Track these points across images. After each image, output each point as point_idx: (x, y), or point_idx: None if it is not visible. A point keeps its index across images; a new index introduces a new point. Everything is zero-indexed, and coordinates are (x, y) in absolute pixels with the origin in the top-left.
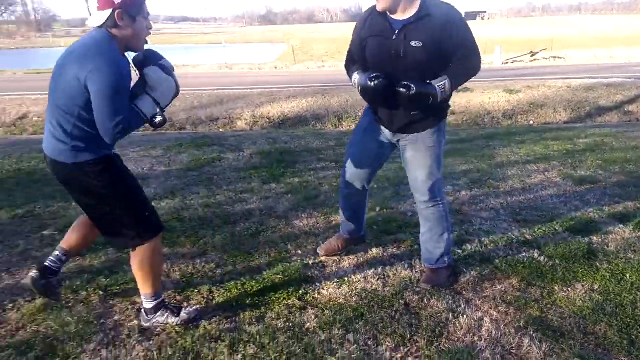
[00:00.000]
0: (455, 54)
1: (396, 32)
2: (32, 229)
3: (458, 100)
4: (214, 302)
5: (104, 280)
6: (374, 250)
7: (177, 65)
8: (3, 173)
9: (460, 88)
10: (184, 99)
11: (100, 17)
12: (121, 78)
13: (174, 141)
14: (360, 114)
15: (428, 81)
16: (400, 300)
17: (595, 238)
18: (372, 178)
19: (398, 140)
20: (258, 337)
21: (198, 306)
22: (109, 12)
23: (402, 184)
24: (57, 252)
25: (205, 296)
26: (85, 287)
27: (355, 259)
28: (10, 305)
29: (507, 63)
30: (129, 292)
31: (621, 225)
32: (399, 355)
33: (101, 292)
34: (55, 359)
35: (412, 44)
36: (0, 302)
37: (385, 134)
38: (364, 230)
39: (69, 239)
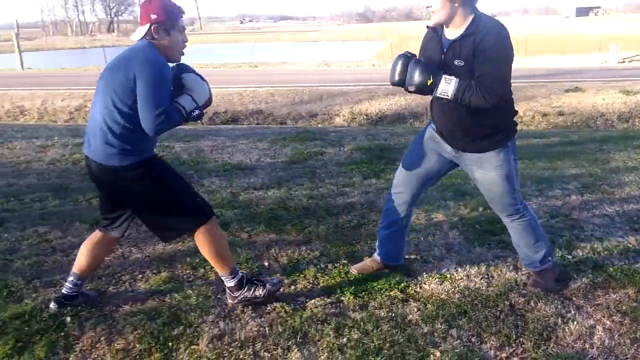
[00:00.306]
0: (478, 74)
1: (445, 51)
2: None
3: (568, 101)
4: (319, 286)
5: None
6: (477, 250)
7: (278, 62)
8: None
9: (569, 88)
10: (285, 94)
11: (141, 31)
12: (162, 74)
13: (278, 135)
14: None
15: (449, 78)
16: (505, 301)
17: None
18: (421, 195)
19: (459, 157)
20: (362, 323)
21: (277, 277)
22: (147, 27)
23: None
24: (71, 278)
25: (311, 281)
26: (203, 265)
27: (458, 257)
28: (140, 276)
29: (623, 62)
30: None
31: None
32: (504, 355)
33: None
34: (180, 326)
35: (456, 62)
36: (132, 273)
37: (446, 148)
38: (402, 259)
39: (80, 264)
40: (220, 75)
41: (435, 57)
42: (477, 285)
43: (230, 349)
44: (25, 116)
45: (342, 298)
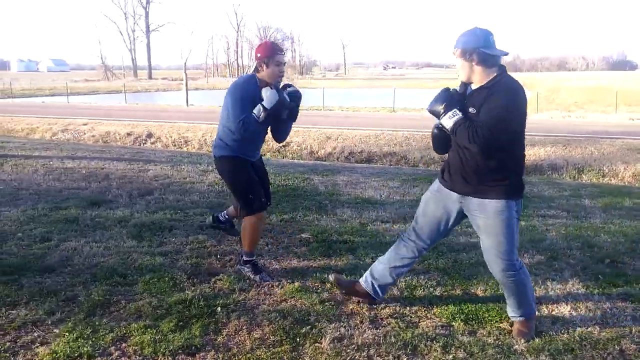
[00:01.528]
0: (481, 117)
1: (467, 97)
2: (293, 230)
3: None
4: (432, 311)
5: (345, 277)
6: (596, 298)
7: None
8: (274, 187)
9: None
10: (420, 139)
11: (254, 65)
12: (241, 94)
13: (409, 175)
14: (605, 169)
15: (455, 112)
16: (616, 346)
17: None
18: (430, 243)
19: (464, 204)
20: (469, 345)
21: (269, 277)
22: (255, 62)
23: (638, 242)
24: (224, 212)
25: (426, 305)
26: (330, 281)
27: (574, 302)
28: (277, 283)
29: None
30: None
31: None
32: None
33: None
34: (307, 326)
35: (470, 110)
36: (271, 281)
37: (452, 196)
38: (382, 296)
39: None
40: (359, 118)
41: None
42: (589, 329)
43: (348, 351)
44: (188, 146)
45: (453, 323)
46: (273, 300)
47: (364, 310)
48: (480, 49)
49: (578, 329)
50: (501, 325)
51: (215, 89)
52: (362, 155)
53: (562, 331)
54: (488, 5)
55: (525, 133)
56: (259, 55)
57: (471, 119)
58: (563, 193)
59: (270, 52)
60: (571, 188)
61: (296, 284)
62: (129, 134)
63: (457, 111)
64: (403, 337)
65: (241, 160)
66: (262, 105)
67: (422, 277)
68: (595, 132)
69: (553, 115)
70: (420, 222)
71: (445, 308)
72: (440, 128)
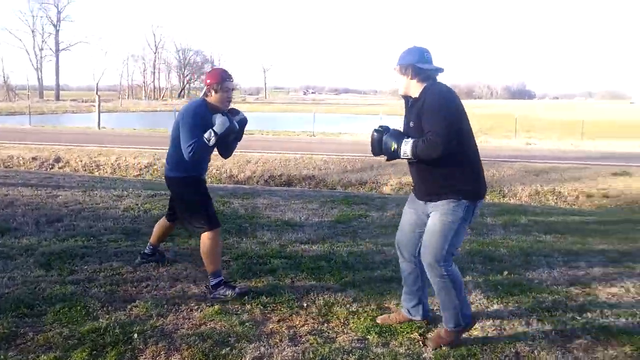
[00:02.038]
0: (424, 129)
1: (407, 112)
2: None
3: (614, 184)
4: (349, 326)
5: (265, 298)
6: (495, 306)
7: (335, 133)
8: None
9: (617, 172)
10: (338, 162)
11: (203, 91)
12: (194, 121)
13: (327, 197)
14: (506, 190)
15: (407, 140)
16: (512, 349)
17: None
18: (417, 251)
19: (427, 209)
20: (382, 356)
21: (245, 285)
22: (204, 90)
23: (533, 254)
24: (149, 245)
25: (342, 321)
26: (250, 302)
27: (476, 311)
28: (196, 307)
29: None
30: (282, 310)
31: None
32: None
33: (262, 307)
34: (226, 347)
35: (410, 124)
36: (188, 305)
37: (420, 203)
38: (424, 314)
39: (154, 236)
40: (279, 142)
41: (405, 119)
42: (489, 335)
43: None
44: (100, 170)
45: (368, 336)
46: (192, 324)
47: (283, 329)
48: (415, 64)
49: (480, 334)
50: (411, 335)
51: (130, 111)
52: (282, 178)
53: (465, 338)
54: (403, 35)
55: None
56: (208, 81)
57: (413, 134)
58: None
59: (220, 79)
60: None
61: (216, 306)
62: (34, 158)
63: (406, 139)
64: (321, 352)
65: (196, 179)
66: (213, 130)
67: (339, 294)
68: (498, 156)
69: None
70: (402, 236)
71: (361, 323)
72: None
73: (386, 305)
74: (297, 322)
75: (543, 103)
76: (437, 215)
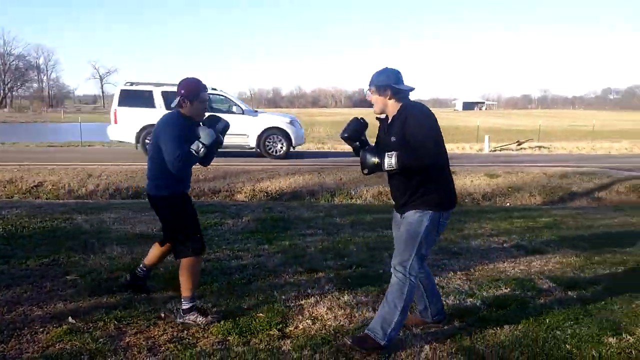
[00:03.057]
0: (410, 142)
1: (386, 129)
2: (57, 273)
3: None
4: (209, 331)
5: (119, 313)
6: (346, 297)
7: None
8: (29, 230)
9: None
10: (192, 171)
11: (175, 102)
12: (178, 132)
13: None
14: (352, 192)
15: (390, 153)
16: (361, 333)
17: (530, 293)
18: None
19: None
20: (243, 354)
21: (218, 314)
22: (178, 99)
23: (377, 248)
24: (141, 266)
25: (202, 327)
26: (103, 318)
27: (330, 303)
28: (41, 329)
29: (494, 150)
30: (139, 322)
31: (554, 285)
32: None
33: (116, 322)
34: None
35: (391, 139)
36: (32, 328)
37: (397, 217)
38: (437, 315)
39: (148, 258)
40: (125, 153)
41: (382, 136)
42: (341, 323)
43: None
44: None
45: (229, 337)
46: (38, 347)
47: (140, 340)
48: (393, 85)
49: (333, 324)
50: (271, 332)
51: None
52: (129, 191)
53: (321, 328)
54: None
55: (283, 164)
56: (182, 92)
57: (394, 148)
58: (319, 214)
59: (195, 90)
60: (325, 209)
61: (64, 327)
62: None
63: (389, 153)
64: (182, 358)
65: (184, 197)
66: (201, 142)
67: (198, 302)
68: (344, 161)
69: (310, 147)
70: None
71: (221, 326)
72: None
73: (245, 306)
74: (156, 333)
75: None
76: (405, 224)
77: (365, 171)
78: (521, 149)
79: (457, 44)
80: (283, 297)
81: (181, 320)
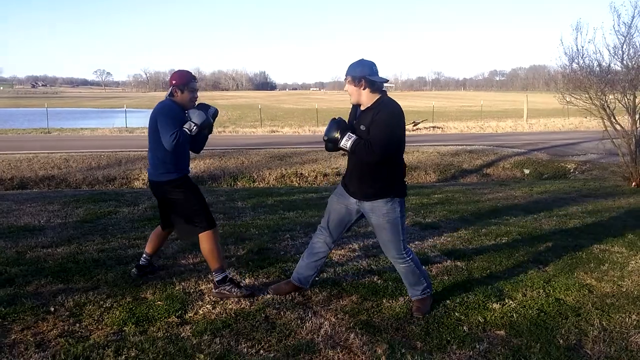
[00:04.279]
0: (370, 135)
1: (357, 117)
2: None
3: (343, 163)
4: (104, 322)
5: (3, 309)
6: (247, 280)
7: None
8: None
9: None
10: (81, 160)
11: (168, 91)
12: (173, 115)
13: (70, 197)
14: (255, 175)
15: (350, 135)
16: (262, 314)
17: (424, 266)
18: (336, 237)
19: (360, 207)
20: (140, 343)
21: (250, 290)
22: (169, 90)
23: (279, 230)
24: (144, 255)
25: (96, 318)
26: None
27: (231, 287)
28: None
29: None
30: (26, 318)
31: (445, 257)
32: (254, 350)
33: (0, 319)
34: None
35: (361, 127)
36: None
37: (351, 200)
38: (309, 284)
39: (149, 245)
40: (5, 142)
41: (351, 120)
42: (242, 306)
43: None
44: None
45: (125, 328)
46: None
47: (28, 337)
48: (367, 76)
49: (234, 307)
50: (169, 320)
51: None
52: (13, 182)
53: (222, 312)
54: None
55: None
56: (174, 82)
57: (362, 137)
58: (220, 198)
59: (186, 80)
60: (227, 194)
61: None
62: None
63: (351, 134)
64: (73, 352)
65: (188, 179)
66: (192, 121)
67: (91, 293)
68: (246, 144)
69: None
70: (327, 221)
71: (117, 316)
72: (332, 146)
73: (143, 295)
74: (45, 328)
75: (285, 93)
76: (381, 217)
77: (326, 138)
78: (417, 129)
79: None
80: (182, 284)
81: (217, 291)
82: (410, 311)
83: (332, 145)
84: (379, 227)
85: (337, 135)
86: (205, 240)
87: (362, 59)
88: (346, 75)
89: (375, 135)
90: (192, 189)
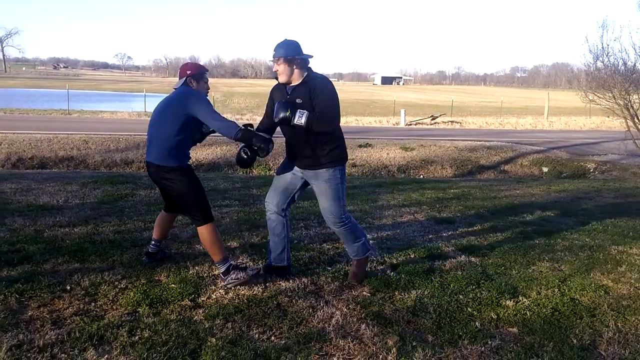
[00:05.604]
0: (317, 109)
1: (289, 94)
2: None
3: (360, 155)
4: (118, 302)
5: (21, 286)
6: (261, 266)
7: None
8: None
9: (362, 144)
10: (100, 142)
11: (180, 82)
12: (207, 100)
13: (89, 178)
14: (270, 164)
15: (302, 111)
16: (274, 301)
17: (437, 261)
18: (285, 205)
19: (305, 175)
20: (153, 325)
21: (257, 266)
22: (184, 79)
23: (292, 219)
24: (152, 242)
25: (111, 298)
26: (3, 292)
27: (244, 274)
28: None
29: (410, 125)
30: (42, 295)
31: (459, 252)
32: (265, 337)
33: (17, 295)
34: None
35: (297, 100)
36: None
37: (297, 170)
38: (287, 262)
39: (156, 231)
40: (26, 122)
41: (280, 99)
42: (255, 292)
43: (29, 355)
44: None
45: (139, 309)
46: None
47: (44, 314)
48: (297, 56)
49: (247, 293)
50: (183, 303)
51: None
52: (33, 161)
53: (234, 298)
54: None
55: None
56: (189, 72)
57: (302, 108)
58: (235, 185)
59: (202, 70)
60: (242, 181)
61: None
62: None
63: (301, 110)
64: (88, 330)
65: (192, 170)
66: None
67: (106, 273)
68: None
69: (228, 117)
70: (274, 194)
71: (131, 297)
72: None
73: (157, 278)
74: (61, 306)
75: None
76: (323, 183)
77: (277, 119)
78: (435, 123)
79: (378, 19)
80: (196, 268)
81: (225, 283)
82: (353, 279)
83: (283, 122)
84: (321, 193)
85: (288, 114)
86: (203, 232)
87: (287, 39)
88: (276, 57)
89: (325, 105)
90: (196, 181)
